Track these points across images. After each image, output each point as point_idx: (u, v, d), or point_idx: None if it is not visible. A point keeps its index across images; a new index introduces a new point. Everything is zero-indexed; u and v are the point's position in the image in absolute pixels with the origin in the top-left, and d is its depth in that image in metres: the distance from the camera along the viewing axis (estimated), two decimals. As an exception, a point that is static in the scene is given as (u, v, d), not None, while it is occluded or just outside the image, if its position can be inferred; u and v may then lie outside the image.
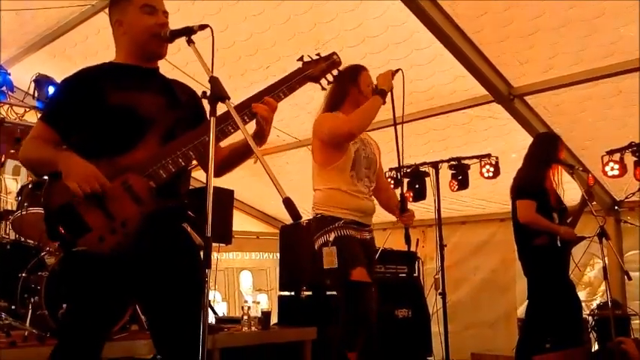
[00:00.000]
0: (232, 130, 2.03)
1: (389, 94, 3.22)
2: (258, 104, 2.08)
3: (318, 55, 2.33)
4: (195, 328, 1.78)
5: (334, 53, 2.32)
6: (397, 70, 3.24)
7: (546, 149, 4.42)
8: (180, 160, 1.97)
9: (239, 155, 2.23)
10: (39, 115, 4.52)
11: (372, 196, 3.35)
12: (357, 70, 3.32)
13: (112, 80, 2.04)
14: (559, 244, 4.22)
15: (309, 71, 2.27)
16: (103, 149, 1.97)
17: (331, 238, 3.05)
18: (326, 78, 2.29)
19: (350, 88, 3.28)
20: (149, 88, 2.10)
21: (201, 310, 1.77)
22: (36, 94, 5.93)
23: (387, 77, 3.19)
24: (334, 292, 4.08)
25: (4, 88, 5.76)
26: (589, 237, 4.66)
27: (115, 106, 1.99)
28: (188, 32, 2.09)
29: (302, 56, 2.32)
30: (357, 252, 3.07)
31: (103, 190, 1.85)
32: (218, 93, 1.88)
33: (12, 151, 4.48)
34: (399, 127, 3.20)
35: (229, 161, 2.24)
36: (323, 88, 2.34)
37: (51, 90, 5.91)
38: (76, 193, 1.83)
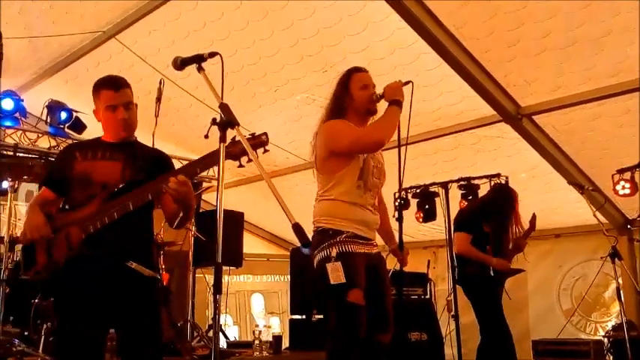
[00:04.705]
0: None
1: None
2: (168, 185, 2.35)
3: (252, 134, 2.39)
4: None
5: (264, 134, 2.41)
6: (407, 82, 3.01)
7: (497, 200, 4.82)
8: (115, 213, 2.41)
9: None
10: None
11: (377, 211, 3.09)
12: (347, 76, 3.13)
13: (86, 152, 2.60)
14: (492, 274, 4.56)
15: (229, 150, 2.30)
16: (69, 205, 2.57)
17: (334, 254, 2.85)
18: (248, 157, 2.26)
19: (344, 97, 3.08)
20: (112, 158, 2.58)
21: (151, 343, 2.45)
22: (48, 120, 6.00)
23: (398, 88, 2.98)
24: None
25: (17, 115, 5.84)
26: (524, 270, 5.01)
27: (77, 172, 2.55)
28: (198, 60, 2.16)
29: (234, 136, 2.31)
30: (358, 271, 2.89)
31: (41, 237, 2.44)
32: (227, 119, 1.94)
33: (25, 177, 4.51)
34: (403, 146, 3.00)
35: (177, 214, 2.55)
36: (240, 165, 2.31)
37: (63, 115, 5.98)
38: (21, 237, 2.47)
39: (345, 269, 2.85)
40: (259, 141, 2.40)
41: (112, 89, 2.57)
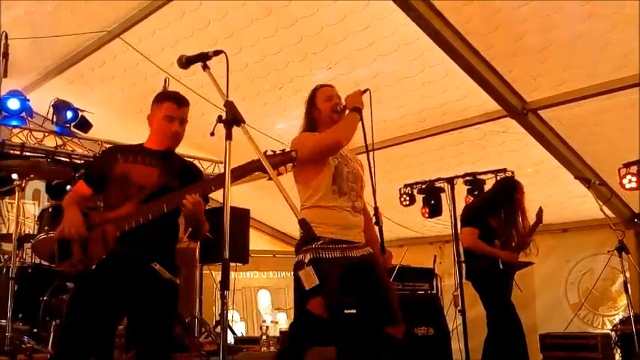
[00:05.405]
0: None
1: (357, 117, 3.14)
2: (187, 198, 2.58)
3: (282, 150, 2.61)
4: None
5: (294, 150, 2.62)
6: (365, 90, 3.18)
7: (502, 192, 4.86)
8: (150, 215, 2.59)
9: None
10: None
11: (359, 213, 3.20)
12: (312, 93, 3.33)
13: (127, 155, 2.77)
14: (501, 267, 4.58)
15: (271, 160, 2.48)
16: (106, 205, 2.77)
17: (307, 259, 2.96)
18: (278, 170, 2.57)
19: (312, 111, 3.28)
20: (150, 164, 2.75)
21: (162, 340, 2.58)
22: (54, 119, 6.03)
23: (357, 96, 3.15)
24: (353, 311, 4.02)
25: (23, 114, 5.86)
26: (533, 263, 4.97)
27: (117, 172, 2.73)
28: (203, 58, 2.20)
29: (266, 150, 2.57)
30: (327, 280, 2.94)
31: (79, 236, 2.61)
32: (233, 117, 1.96)
33: (31, 175, 4.52)
34: (371, 152, 3.14)
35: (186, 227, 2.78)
36: (279, 174, 2.52)
37: (69, 114, 6.01)
38: (58, 234, 2.63)
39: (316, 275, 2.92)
40: (288, 157, 2.60)
41: (175, 103, 2.80)
